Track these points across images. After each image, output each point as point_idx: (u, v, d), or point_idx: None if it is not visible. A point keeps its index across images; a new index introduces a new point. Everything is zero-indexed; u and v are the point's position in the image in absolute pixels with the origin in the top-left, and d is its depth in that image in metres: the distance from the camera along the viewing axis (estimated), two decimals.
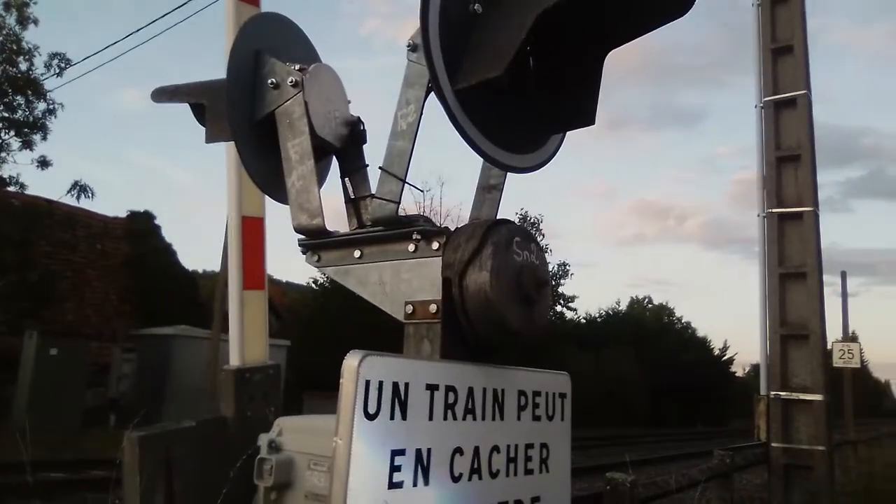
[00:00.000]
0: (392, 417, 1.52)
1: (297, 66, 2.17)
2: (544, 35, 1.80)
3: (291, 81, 2.12)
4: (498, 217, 2.12)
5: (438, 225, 1.93)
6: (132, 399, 16.49)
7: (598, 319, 44.21)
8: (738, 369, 58.60)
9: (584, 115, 1.89)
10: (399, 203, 1.87)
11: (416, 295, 1.88)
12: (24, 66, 17.96)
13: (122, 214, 23.76)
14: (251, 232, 3.20)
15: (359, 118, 2.38)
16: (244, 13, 3.27)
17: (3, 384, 14.27)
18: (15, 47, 17.76)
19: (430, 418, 1.63)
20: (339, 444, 1.43)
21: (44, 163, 18.19)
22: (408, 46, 1.90)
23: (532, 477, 1.96)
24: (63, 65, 18.13)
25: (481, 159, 2.16)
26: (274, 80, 2.15)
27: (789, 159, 8.20)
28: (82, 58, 22.64)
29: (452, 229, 1.91)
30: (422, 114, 1.86)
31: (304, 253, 2.14)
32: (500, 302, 1.73)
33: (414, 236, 1.88)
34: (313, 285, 28.59)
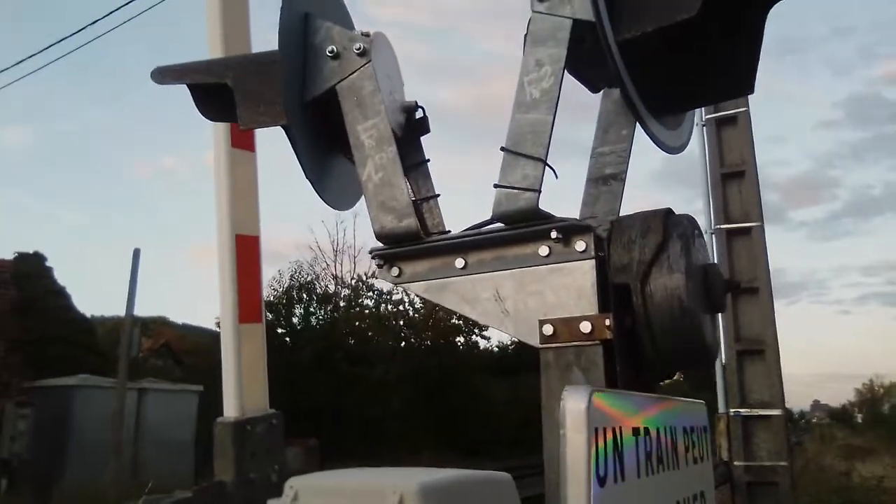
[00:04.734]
0: (616, 479, 1.08)
1: (360, 32, 1.71)
2: None
3: (358, 49, 1.66)
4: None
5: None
6: (28, 459, 14.87)
7: (510, 349, 44.11)
8: None
9: (748, 81, 1.53)
10: (540, 192, 1.43)
11: (555, 311, 1.45)
12: None
13: (9, 256, 21.81)
14: (246, 253, 2.65)
15: (417, 103, 1.94)
16: None
17: None
18: None
19: (638, 475, 1.19)
20: None
21: None
22: None
23: None
24: None
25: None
26: (333, 47, 1.68)
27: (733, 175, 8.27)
28: None
29: (595, 224, 1.49)
30: (563, 77, 1.44)
31: (379, 266, 1.66)
32: (695, 311, 1.32)
33: (552, 235, 1.45)
34: (216, 328, 26.71)
